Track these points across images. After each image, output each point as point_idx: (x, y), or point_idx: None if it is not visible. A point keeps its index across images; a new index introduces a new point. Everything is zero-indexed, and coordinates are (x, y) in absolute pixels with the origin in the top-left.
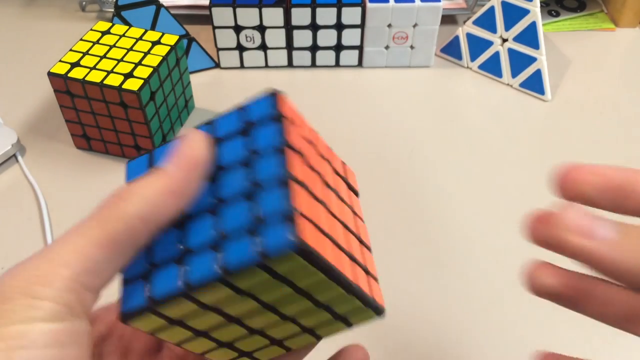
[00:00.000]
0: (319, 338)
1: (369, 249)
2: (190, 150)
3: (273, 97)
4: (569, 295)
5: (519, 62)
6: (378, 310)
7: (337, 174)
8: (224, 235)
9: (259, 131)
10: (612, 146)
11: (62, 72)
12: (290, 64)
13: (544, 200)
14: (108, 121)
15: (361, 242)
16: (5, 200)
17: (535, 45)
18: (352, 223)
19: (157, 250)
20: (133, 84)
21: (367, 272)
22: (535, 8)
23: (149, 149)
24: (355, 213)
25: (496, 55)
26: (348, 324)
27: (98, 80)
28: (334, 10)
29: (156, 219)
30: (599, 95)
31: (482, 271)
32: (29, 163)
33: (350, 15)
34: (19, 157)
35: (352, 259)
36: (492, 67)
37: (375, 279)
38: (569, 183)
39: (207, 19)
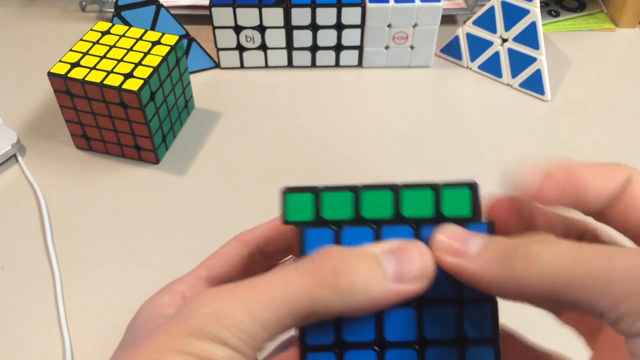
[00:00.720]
0: None
1: None
2: (419, 272)
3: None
4: None
5: (519, 62)
6: None
7: None
8: (425, 340)
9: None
10: (612, 146)
11: (62, 72)
12: (290, 64)
13: None
14: (108, 121)
15: None
16: (5, 200)
17: (535, 46)
18: None
19: (348, 326)
20: (133, 84)
21: None
22: (535, 8)
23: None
24: None
25: (496, 55)
26: None
27: (98, 81)
28: (334, 10)
29: (354, 316)
30: (599, 95)
31: None
32: (29, 163)
33: (350, 15)
34: (19, 157)
35: None
36: (492, 67)
37: None
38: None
39: (207, 19)
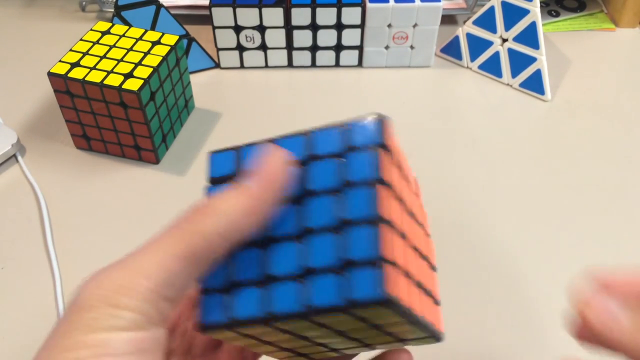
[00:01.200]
0: (373, 349)
1: (434, 269)
2: (273, 170)
3: (380, 123)
4: None
5: (519, 62)
6: (438, 337)
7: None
8: (308, 269)
9: (355, 158)
10: (612, 146)
11: (62, 72)
12: (290, 64)
13: (543, 199)
14: (108, 121)
15: (429, 263)
16: (5, 200)
17: (535, 45)
18: (423, 245)
19: (238, 267)
20: (133, 84)
21: (432, 297)
22: (535, 8)
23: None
24: (425, 230)
25: (496, 55)
26: (407, 344)
27: (98, 80)
28: (334, 10)
29: (235, 236)
30: (599, 95)
31: (480, 266)
32: (29, 163)
33: (350, 15)
34: (19, 157)
35: (422, 287)
36: (492, 67)
37: (438, 303)
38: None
39: (207, 19)
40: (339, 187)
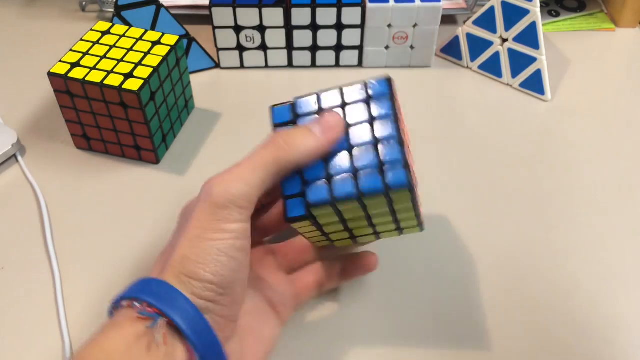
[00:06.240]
0: (378, 238)
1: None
2: (333, 125)
3: (389, 81)
4: None
5: (519, 62)
6: (422, 227)
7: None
8: (358, 169)
9: (378, 103)
10: (612, 146)
11: (62, 72)
12: (290, 64)
13: (543, 199)
14: (108, 121)
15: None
16: (5, 200)
17: (535, 46)
18: (411, 154)
19: (308, 174)
20: (133, 84)
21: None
22: (535, 8)
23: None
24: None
25: (496, 55)
26: (401, 233)
27: (98, 81)
28: (334, 10)
29: (304, 164)
30: (599, 95)
31: (477, 265)
32: (29, 163)
33: (350, 15)
34: (19, 157)
35: (416, 184)
36: (492, 67)
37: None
38: None
39: (207, 19)
40: (369, 120)
